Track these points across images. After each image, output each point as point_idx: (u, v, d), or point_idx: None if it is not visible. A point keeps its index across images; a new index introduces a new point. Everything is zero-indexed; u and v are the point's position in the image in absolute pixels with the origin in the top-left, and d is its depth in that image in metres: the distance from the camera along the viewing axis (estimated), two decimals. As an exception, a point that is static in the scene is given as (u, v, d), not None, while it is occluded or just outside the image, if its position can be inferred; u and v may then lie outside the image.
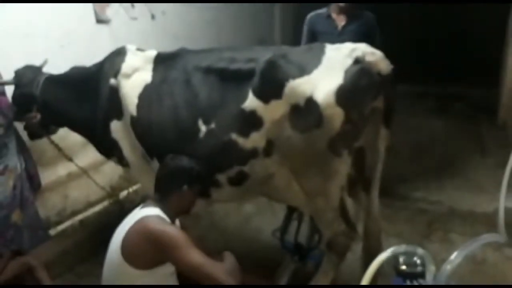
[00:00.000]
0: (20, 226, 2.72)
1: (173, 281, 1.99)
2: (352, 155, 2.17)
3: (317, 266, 2.48)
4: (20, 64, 2.80)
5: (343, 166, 2.14)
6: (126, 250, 1.83)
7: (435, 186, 3.74)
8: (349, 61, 2.00)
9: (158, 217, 1.90)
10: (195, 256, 1.76)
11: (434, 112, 5.69)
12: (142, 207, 2.00)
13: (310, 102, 1.98)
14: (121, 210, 3.31)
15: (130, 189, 3.77)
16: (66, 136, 3.18)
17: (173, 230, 1.82)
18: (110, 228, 2.06)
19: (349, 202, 2.40)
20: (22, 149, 2.85)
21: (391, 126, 2.22)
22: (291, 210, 2.70)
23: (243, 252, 2.97)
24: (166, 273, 1.90)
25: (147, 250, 1.79)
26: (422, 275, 1.47)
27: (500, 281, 2.56)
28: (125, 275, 1.83)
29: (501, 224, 2.70)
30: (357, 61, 2.00)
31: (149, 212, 1.93)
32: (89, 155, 3.54)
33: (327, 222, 2.28)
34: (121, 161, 2.71)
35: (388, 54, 2.10)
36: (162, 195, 2.02)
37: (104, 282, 1.95)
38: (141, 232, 1.84)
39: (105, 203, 3.64)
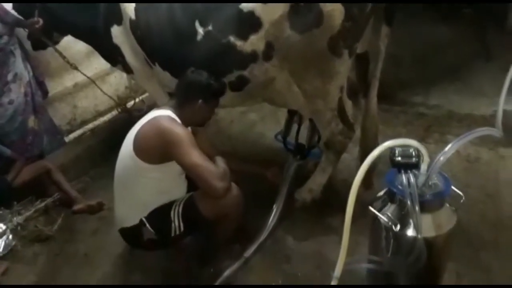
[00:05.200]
0: (38, 131, 2.84)
1: (182, 181, 2.13)
2: (353, 57, 2.18)
3: (316, 164, 2.64)
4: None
5: (343, 67, 2.15)
6: (137, 145, 1.94)
7: (435, 91, 3.78)
8: None
9: (169, 117, 1.98)
10: (194, 157, 1.86)
11: (441, 19, 5.48)
12: (156, 109, 2.07)
13: (310, -1, 1.93)
14: (129, 118, 3.41)
15: (137, 99, 3.83)
16: (69, 46, 3.17)
17: (180, 129, 1.90)
18: (120, 135, 2.15)
19: (348, 104, 2.47)
20: (27, 57, 2.86)
21: (392, 23, 2.20)
22: (292, 114, 2.79)
23: (248, 154, 3.16)
24: (175, 171, 2.03)
25: (155, 144, 1.90)
26: (416, 166, 1.55)
27: (492, 179, 2.70)
28: (136, 169, 1.96)
29: (499, 120, 2.79)
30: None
31: (162, 113, 2.00)
32: (93, 65, 3.57)
33: (326, 122, 2.35)
34: (125, 67, 2.73)
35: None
36: (178, 103, 2.07)
37: (117, 177, 2.09)
38: (151, 128, 1.94)
39: (114, 113, 3.74)
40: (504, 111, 3.01)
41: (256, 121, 3.68)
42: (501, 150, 2.95)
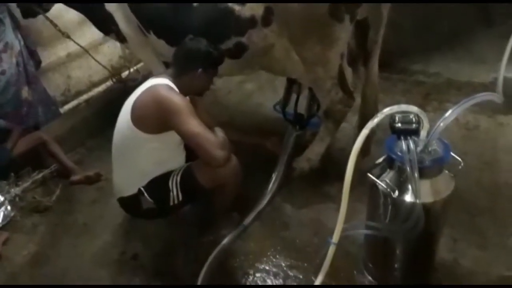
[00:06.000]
0: (32, 101, 2.80)
1: (180, 151, 2.12)
2: (354, 23, 2.13)
3: (315, 133, 2.62)
4: None
5: (344, 33, 2.11)
6: (135, 114, 1.92)
7: (435, 59, 3.73)
8: None
9: (167, 86, 1.94)
10: (193, 125, 1.83)
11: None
12: (153, 78, 2.03)
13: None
14: (124, 88, 3.35)
15: (132, 69, 3.76)
16: (60, 15, 3.07)
17: (178, 98, 1.87)
18: (115, 105, 2.12)
19: (348, 71, 2.43)
20: (18, 26, 2.77)
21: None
22: (291, 83, 2.75)
23: (246, 125, 3.13)
24: (174, 141, 2.01)
25: (153, 114, 1.87)
26: (416, 132, 1.54)
27: (490, 146, 2.71)
28: (134, 139, 1.94)
29: (500, 86, 2.77)
30: None
31: (159, 82, 1.97)
32: (86, 35, 3.47)
33: (326, 91, 2.33)
34: (119, 36, 2.66)
35: None
36: (176, 72, 2.02)
37: (114, 147, 2.07)
38: (149, 97, 1.91)
39: (108, 83, 3.68)
40: (504, 78, 3.00)
41: (254, 91, 3.64)
42: (500, 118, 2.94)
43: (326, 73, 2.25)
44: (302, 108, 2.77)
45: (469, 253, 1.97)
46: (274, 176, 2.46)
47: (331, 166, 2.53)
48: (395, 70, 3.60)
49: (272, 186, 2.42)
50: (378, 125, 1.57)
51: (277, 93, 3.22)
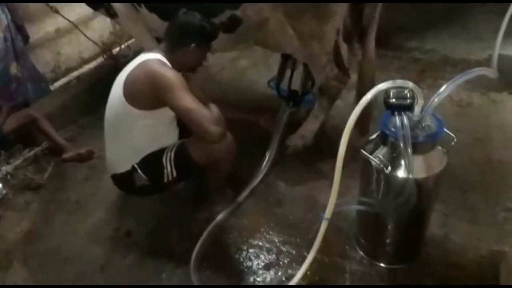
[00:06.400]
0: (21, 78, 2.74)
1: (173, 128, 2.09)
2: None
3: (309, 111, 2.61)
4: None
5: (340, 8, 2.07)
6: (127, 90, 1.88)
7: (431, 35, 3.70)
8: None
9: (160, 61, 1.90)
10: (187, 100, 1.80)
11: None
12: (145, 53, 1.99)
13: None
14: (116, 65, 3.30)
15: (123, 45, 3.70)
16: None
17: (171, 73, 1.84)
18: (107, 82, 2.07)
19: (344, 47, 2.40)
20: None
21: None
22: (285, 59, 2.71)
23: (240, 102, 3.11)
24: (167, 117, 1.99)
25: (146, 90, 1.84)
26: (410, 107, 1.53)
27: (482, 123, 2.72)
28: (127, 115, 1.91)
29: (494, 62, 2.77)
30: None
31: (152, 56, 1.92)
32: (75, 10, 3.39)
33: (321, 66, 2.30)
34: (109, 11, 2.59)
35: None
36: (169, 47, 1.98)
37: (107, 123, 2.04)
38: (141, 72, 1.87)
39: (99, 59, 3.62)
40: (499, 55, 3.00)
41: (248, 68, 3.59)
42: (493, 95, 2.94)
43: (322, 48, 2.22)
44: (296, 85, 2.75)
45: (460, 228, 1.99)
46: (268, 153, 2.46)
47: (325, 143, 2.52)
48: (390, 47, 3.57)
49: (266, 163, 2.42)
50: (376, 104, 1.56)
51: (271, 70, 3.19)
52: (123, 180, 2.06)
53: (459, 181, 2.23)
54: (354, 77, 2.49)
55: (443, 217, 2.04)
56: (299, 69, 2.70)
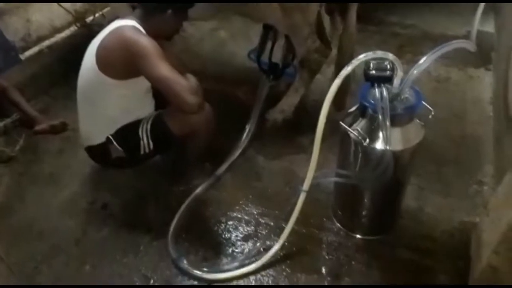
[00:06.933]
0: (-12, 47, 2.60)
1: (149, 99, 2.03)
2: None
3: (289, 84, 2.58)
4: None
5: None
6: (100, 58, 1.80)
7: (411, 10, 3.69)
8: None
9: (134, 27, 1.82)
10: (163, 69, 1.72)
11: None
12: (118, 19, 1.90)
13: None
14: (90, 33, 3.16)
15: (97, 14, 3.54)
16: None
17: (146, 40, 1.75)
18: (80, 51, 1.98)
19: (326, 19, 2.37)
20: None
21: None
22: (267, 30, 2.66)
23: (219, 73, 3.05)
24: (142, 88, 1.93)
25: (120, 57, 1.76)
26: (390, 79, 1.53)
27: (459, 98, 2.76)
28: (100, 85, 1.84)
29: (473, 37, 2.80)
30: None
31: (126, 23, 1.84)
32: (45, -26, 3.21)
33: (302, 38, 2.26)
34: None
35: None
36: (144, 14, 1.88)
37: (80, 93, 1.96)
38: (115, 39, 1.79)
39: (72, 28, 3.46)
40: (478, 31, 3.02)
41: (227, 39, 3.51)
42: (470, 71, 2.97)
43: (304, 19, 2.18)
44: (276, 57, 2.71)
45: (434, 201, 2.04)
46: (247, 127, 2.44)
47: (304, 117, 2.51)
48: (371, 21, 3.55)
49: (245, 136, 2.41)
50: (354, 78, 1.54)
51: (251, 42, 3.11)
52: (98, 152, 2.01)
53: (434, 155, 2.27)
54: (334, 51, 2.46)
55: (418, 190, 2.09)
56: (280, 42, 2.65)
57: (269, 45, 2.70)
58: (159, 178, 2.20)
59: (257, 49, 2.76)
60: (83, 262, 1.83)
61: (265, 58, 2.72)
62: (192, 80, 1.87)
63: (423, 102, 1.58)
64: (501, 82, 2.40)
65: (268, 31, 2.65)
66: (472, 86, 2.85)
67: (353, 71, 1.47)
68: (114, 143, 1.92)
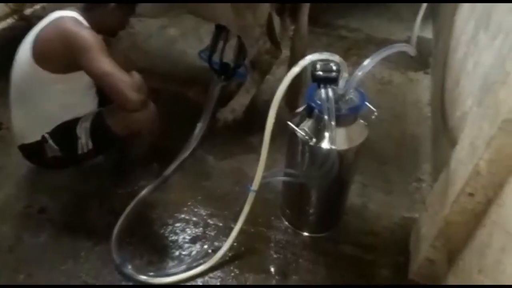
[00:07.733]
0: None
1: (92, 97, 1.94)
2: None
3: (240, 84, 2.58)
4: None
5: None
6: (37, 51, 1.70)
7: (357, 14, 3.82)
8: None
9: (75, 19, 1.72)
10: (106, 64, 1.64)
11: None
12: (58, 11, 1.79)
13: None
14: (28, 26, 2.97)
15: (37, 6, 3.34)
16: None
17: (88, 33, 1.67)
18: (17, 45, 1.85)
19: (277, 20, 2.39)
20: None
21: None
22: (219, 30, 2.63)
23: (169, 72, 2.97)
24: (83, 83, 1.84)
25: (58, 50, 1.67)
26: (335, 80, 1.57)
27: (400, 100, 2.89)
28: (36, 79, 1.73)
29: (413, 42, 2.95)
30: None
31: (66, 14, 1.74)
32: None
33: (254, 39, 2.27)
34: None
35: None
36: (86, 5, 1.79)
37: (14, 88, 1.84)
38: (54, 30, 1.69)
39: (9, 20, 3.24)
40: (418, 37, 3.20)
41: (177, 37, 3.44)
42: (411, 74, 3.13)
43: (255, 20, 2.18)
44: (226, 58, 2.69)
45: (376, 198, 2.12)
46: (198, 127, 2.40)
47: (254, 118, 2.52)
48: (319, 24, 3.62)
49: (195, 136, 2.37)
50: (306, 80, 1.56)
51: (201, 41, 3.08)
52: (33, 151, 1.88)
53: (377, 154, 2.36)
54: (285, 52, 2.49)
55: (362, 187, 2.16)
56: (232, 43, 2.64)
57: (220, 45, 2.68)
58: (102, 180, 2.11)
59: (209, 48, 2.72)
60: (17, 271, 1.71)
61: (216, 58, 2.70)
62: (136, 76, 1.79)
63: (367, 103, 1.63)
64: (438, 85, 2.55)
65: (221, 31, 2.62)
66: (412, 89, 3.00)
67: (306, 73, 1.49)
68: (50, 141, 1.80)
